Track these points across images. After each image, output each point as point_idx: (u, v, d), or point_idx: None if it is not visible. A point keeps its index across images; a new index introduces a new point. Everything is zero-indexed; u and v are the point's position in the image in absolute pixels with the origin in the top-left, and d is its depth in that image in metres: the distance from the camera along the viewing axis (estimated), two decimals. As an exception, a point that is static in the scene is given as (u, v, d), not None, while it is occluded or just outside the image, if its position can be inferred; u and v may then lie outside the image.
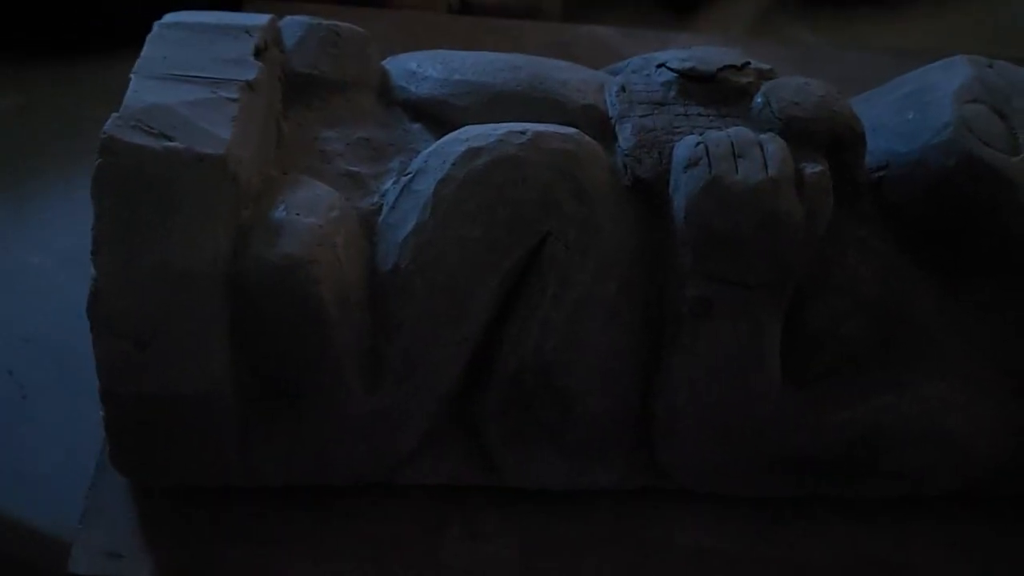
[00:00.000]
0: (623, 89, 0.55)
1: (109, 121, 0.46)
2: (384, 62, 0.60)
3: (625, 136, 0.52)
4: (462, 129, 0.51)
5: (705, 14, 1.00)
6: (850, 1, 1.02)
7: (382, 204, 0.50)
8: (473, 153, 0.49)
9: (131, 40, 0.54)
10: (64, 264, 0.68)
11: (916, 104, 0.57)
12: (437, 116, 0.55)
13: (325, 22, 0.56)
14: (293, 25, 0.56)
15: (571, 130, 0.51)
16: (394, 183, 0.51)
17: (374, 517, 0.53)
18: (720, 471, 0.53)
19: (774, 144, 0.50)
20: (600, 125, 0.54)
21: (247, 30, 0.52)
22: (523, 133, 0.50)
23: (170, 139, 0.45)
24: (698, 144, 0.50)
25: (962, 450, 0.53)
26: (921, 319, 0.54)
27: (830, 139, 0.52)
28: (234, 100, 0.48)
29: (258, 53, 0.51)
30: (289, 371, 0.47)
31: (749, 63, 0.56)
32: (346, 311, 0.46)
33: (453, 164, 0.49)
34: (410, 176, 0.50)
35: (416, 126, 0.55)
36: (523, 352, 0.49)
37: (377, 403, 0.48)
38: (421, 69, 0.56)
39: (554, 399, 0.50)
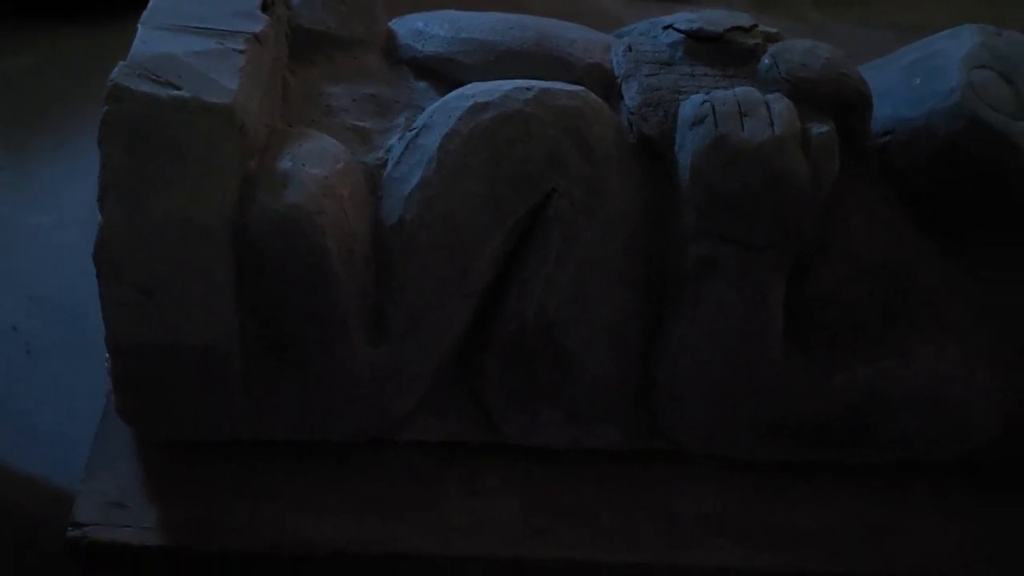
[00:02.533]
0: (630, 49, 0.55)
1: (116, 69, 0.46)
2: (392, 22, 0.60)
3: (631, 95, 0.52)
4: (468, 85, 0.51)
5: (710, -10, 0.99)
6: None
7: (387, 159, 0.50)
8: (479, 108, 0.49)
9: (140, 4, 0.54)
10: (71, 224, 0.68)
11: (923, 70, 0.57)
12: (443, 74, 0.55)
13: (333, -21, 0.56)
14: (301, -18, 0.56)
15: (577, 88, 0.51)
16: (399, 138, 0.51)
17: (376, 474, 0.53)
18: (721, 434, 0.53)
19: (780, 104, 0.50)
20: (606, 84, 0.54)
21: (255, -16, 0.52)
22: (529, 89, 0.50)
23: (177, 88, 0.45)
24: (704, 103, 0.50)
25: (961, 416, 0.53)
26: (924, 285, 0.54)
27: (837, 101, 0.52)
28: (241, 52, 0.48)
29: (265, 7, 0.51)
30: (294, 323, 0.47)
31: (757, 25, 0.55)
32: (351, 263, 0.46)
33: (459, 119, 0.49)
34: (415, 131, 0.50)
35: (422, 84, 0.55)
36: (526, 310, 0.49)
37: (380, 358, 0.48)
38: (428, 28, 0.56)
39: (556, 359, 0.50)
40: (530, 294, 0.49)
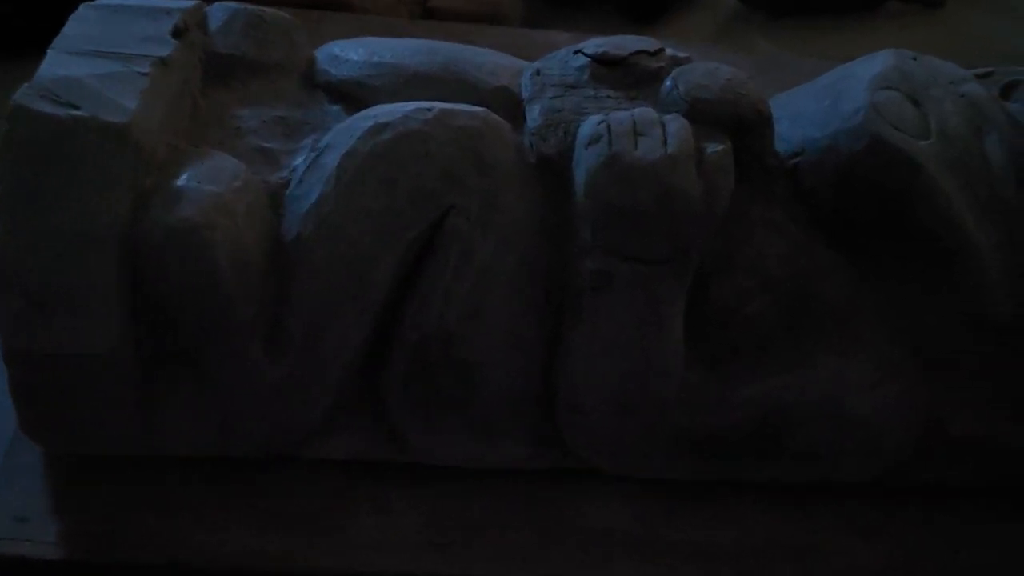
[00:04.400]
0: (538, 73, 0.56)
1: (19, 91, 0.47)
2: (317, 49, 0.61)
3: (533, 116, 0.53)
4: (374, 107, 0.52)
5: (666, 25, 1.01)
6: (812, 13, 1.03)
7: (292, 178, 0.52)
8: (379, 128, 0.50)
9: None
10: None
11: (832, 92, 0.58)
12: (355, 97, 0.56)
13: (251, 7, 0.58)
14: (219, 9, 0.58)
15: (479, 109, 0.52)
16: (304, 159, 0.52)
17: (281, 490, 0.53)
18: (627, 450, 0.53)
19: (676, 123, 0.51)
20: (512, 107, 0.55)
21: (168, 12, 0.54)
22: (429, 110, 0.51)
23: (76, 108, 0.46)
24: (600, 122, 0.51)
25: (870, 432, 0.53)
26: (831, 300, 0.54)
27: (734, 121, 0.53)
28: (144, 74, 0.49)
29: (178, 33, 0.53)
30: (189, 337, 0.48)
31: (663, 49, 0.57)
32: (245, 279, 0.47)
33: (358, 138, 0.50)
34: (318, 151, 0.51)
35: (336, 107, 0.56)
36: (425, 323, 0.50)
37: (279, 373, 0.49)
38: (343, 53, 0.58)
39: (456, 371, 0.51)
40: (429, 307, 0.50)
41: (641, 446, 0.53)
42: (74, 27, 0.52)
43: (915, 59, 0.60)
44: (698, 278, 0.52)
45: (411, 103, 0.51)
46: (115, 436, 0.50)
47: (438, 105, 0.51)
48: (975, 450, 0.55)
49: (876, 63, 0.59)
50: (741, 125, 0.53)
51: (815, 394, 0.52)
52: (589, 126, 0.51)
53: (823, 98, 0.58)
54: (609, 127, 0.50)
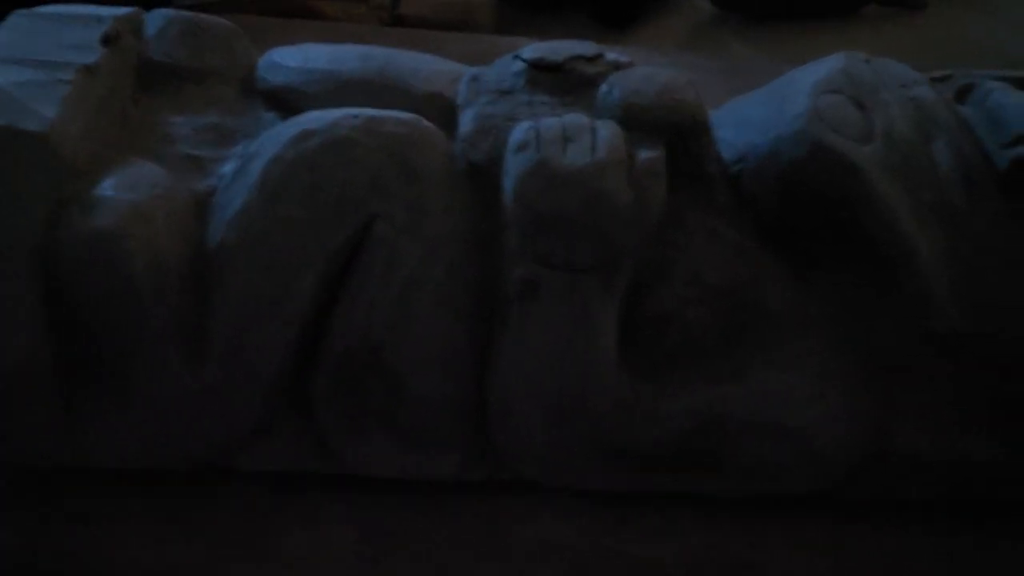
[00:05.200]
0: (475, 79, 0.55)
1: (-63, 100, 0.47)
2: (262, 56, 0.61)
3: (465, 123, 0.52)
4: (304, 114, 0.52)
5: (639, 30, 1.00)
6: (787, 17, 1.02)
7: (219, 186, 0.51)
8: (305, 135, 0.49)
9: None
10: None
11: (777, 97, 0.57)
12: (290, 104, 0.55)
13: (187, 14, 0.57)
14: (156, 16, 0.57)
15: (409, 115, 0.51)
16: (233, 166, 0.51)
17: (209, 503, 0.53)
18: (559, 461, 0.52)
19: (607, 129, 0.50)
20: (447, 113, 0.54)
21: (100, 19, 0.53)
22: (357, 117, 0.50)
23: (-7, 117, 0.46)
24: (529, 128, 0.50)
25: (812, 445, 0.52)
26: (771, 309, 0.53)
27: (671, 126, 0.51)
28: (68, 82, 0.49)
29: (107, 40, 0.52)
30: (107, 346, 0.47)
31: (602, 55, 0.56)
32: (164, 288, 0.47)
33: (284, 145, 0.49)
34: (247, 158, 0.51)
35: (271, 114, 0.56)
36: (351, 332, 0.49)
37: (202, 383, 0.48)
38: (281, 59, 0.57)
39: (384, 381, 0.50)
40: (354, 316, 0.49)
41: (576, 458, 0.52)
42: (2, 35, 0.52)
43: (867, 62, 0.59)
44: (633, 287, 0.51)
45: (340, 110, 0.51)
46: (38, 447, 0.49)
47: (366, 112, 0.50)
48: (924, 463, 0.54)
49: (823, 67, 0.57)
50: (678, 131, 0.52)
51: (753, 405, 0.51)
52: (518, 132, 0.50)
53: (768, 103, 0.57)
54: (538, 133, 0.49)
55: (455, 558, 0.52)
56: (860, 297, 0.53)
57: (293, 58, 0.57)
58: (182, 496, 0.52)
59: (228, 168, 0.52)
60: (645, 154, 0.50)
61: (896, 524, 0.55)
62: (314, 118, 0.50)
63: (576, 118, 0.50)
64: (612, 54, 0.57)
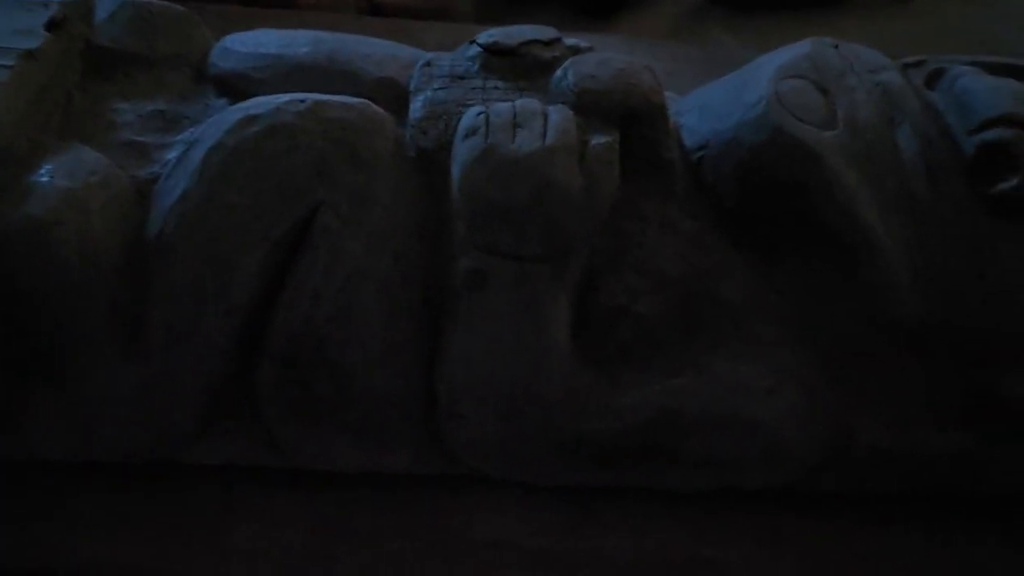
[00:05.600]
0: (428, 64, 0.54)
1: None
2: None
3: (415, 108, 0.51)
4: (250, 99, 0.51)
5: (623, 19, 0.98)
6: (774, 7, 1.00)
7: (162, 173, 0.50)
8: (248, 121, 0.48)
9: None
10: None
11: (740, 83, 0.55)
12: (240, 89, 0.54)
13: (141, 0, 0.56)
14: (107, 2, 0.56)
15: (357, 100, 0.50)
16: (177, 153, 0.50)
17: (158, 497, 0.51)
18: (512, 455, 0.51)
19: (558, 115, 0.49)
20: (398, 98, 0.53)
21: (47, 5, 0.52)
22: (302, 102, 0.49)
23: (-74, 102, 0.45)
24: (479, 114, 0.49)
25: (769, 439, 0.50)
26: (728, 300, 0.51)
27: (625, 111, 0.50)
28: (8, 67, 0.48)
29: (52, 26, 0.51)
30: (44, 337, 0.46)
31: (559, 39, 0.54)
32: (99, 276, 0.46)
33: (226, 132, 0.48)
34: (190, 145, 0.50)
35: (221, 101, 0.55)
36: (294, 324, 0.48)
37: (140, 375, 0.47)
38: (233, 45, 0.56)
39: (330, 374, 0.48)
40: (298, 308, 0.48)
41: (528, 452, 0.51)
42: (-56, 21, 0.51)
43: (836, 47, 0.58)
44: (587, 276, 0.50)
45: (285, 95, 0.50)
46: (-22, 440, 0.49)
47: (312, 96, 0.49)
48: (886, 457, 0.52)
49: (788, 52, 0.56)
50: (632, 116, 0.50)
51: (708, 398, 0.50)
52: (467, 118, 0.49)
53: (732, 89, 0.56)
54: (487, 119, 0.48)
55: (404, 551, 0.51)
56: (822, 287, 0.51)
57: (244, 44, 0.56)
58: (133, 491, 0.51)
59: (173, 155, 0.51)
60: (597, 140, 0.49)
61: (862, 519, 0.53)
62: (258, 103, 0.49)
63: (528, 103, 0.49)
64: (571, 39, 0.55)
